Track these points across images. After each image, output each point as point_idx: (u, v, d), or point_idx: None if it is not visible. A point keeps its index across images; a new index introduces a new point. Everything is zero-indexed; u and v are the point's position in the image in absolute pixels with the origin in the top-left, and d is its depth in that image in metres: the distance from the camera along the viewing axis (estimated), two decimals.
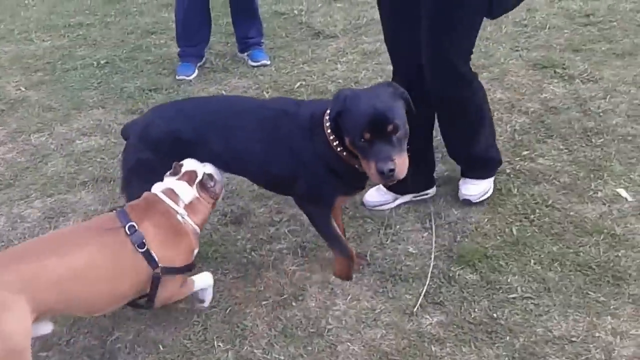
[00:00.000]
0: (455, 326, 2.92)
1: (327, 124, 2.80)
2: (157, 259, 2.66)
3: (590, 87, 4.69)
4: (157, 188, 2.85)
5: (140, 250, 2.62)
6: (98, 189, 4.09)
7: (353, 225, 3.54)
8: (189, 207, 2.82)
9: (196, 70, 5.51)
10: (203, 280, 3.00)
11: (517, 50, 5.31)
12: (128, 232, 2.62)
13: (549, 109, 4.46)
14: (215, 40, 5.98)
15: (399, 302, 3.07)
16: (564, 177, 3.79)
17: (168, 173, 2.90)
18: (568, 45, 5.28)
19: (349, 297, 3.13)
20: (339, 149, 2.79)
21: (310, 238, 3.46)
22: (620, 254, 3.22)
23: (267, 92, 5.04)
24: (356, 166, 2.79)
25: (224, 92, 5.12)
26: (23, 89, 5.52)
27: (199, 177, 2.88)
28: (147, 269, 2.65)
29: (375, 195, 3.70)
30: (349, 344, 2.89)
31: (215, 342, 2.95)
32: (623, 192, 3.64)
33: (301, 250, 3.45)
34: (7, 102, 5.31)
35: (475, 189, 3.67)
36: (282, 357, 2.85)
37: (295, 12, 6.53)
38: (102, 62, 5.85)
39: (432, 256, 3.29)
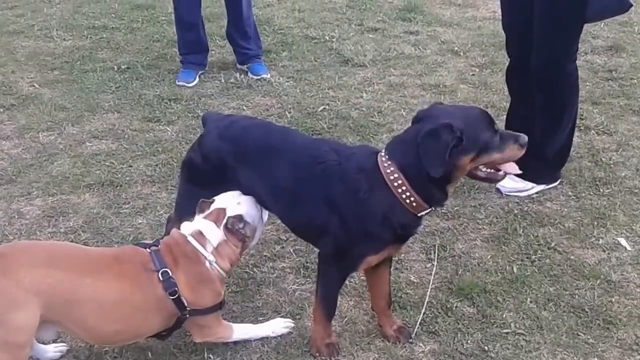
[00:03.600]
0: (446, 355, 2.95)
1: (392, 169, 2.66)
2: (186, 304, 2.68)
3: (605, 139, 4.73)
4: (186, 229, 2.79)
5: (171, 297, 2.64)
6: (103, 192, 4.11)
7: None
8: (217, 250, 2.75)
9: (197, 78, 5.62)
10: (243, 331, 2.99)
11: None
12: (161, 278, 2.63)
13: None
14: None
15: None
16: (569, 222, 3.83)
17: (197, 209, 2.85)
18: (588, 97, 5.32)
19: (346, 319, 3.15)
20: (406, 194, 2.65)
21: (314, 259, 3.45)
22: (613, 300, 3.27)
23: (289, 112, 5.08)
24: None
25: (245, 108, 5.18)
26: (37, 86, 5.56)
27: (224, 220, 2.78)
28: (175, 311, 2.69)
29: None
30: None
31: (206, 354, 2.95)
32: (623, 241, 3.69)
33: (304, 270, 3.48)
34: (18, 97, 5.36)
35: (512, 183, 4.00)
36: None
37: (327, 37, 6.58)
38: (123, 66, 5.89)
39: (430, 286, 3.32)
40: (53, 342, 2.94)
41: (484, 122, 2.69)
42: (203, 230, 2.76)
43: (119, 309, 2.59)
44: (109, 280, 2.58)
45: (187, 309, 2.68)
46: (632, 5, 3.75)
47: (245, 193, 2.88)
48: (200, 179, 3.01)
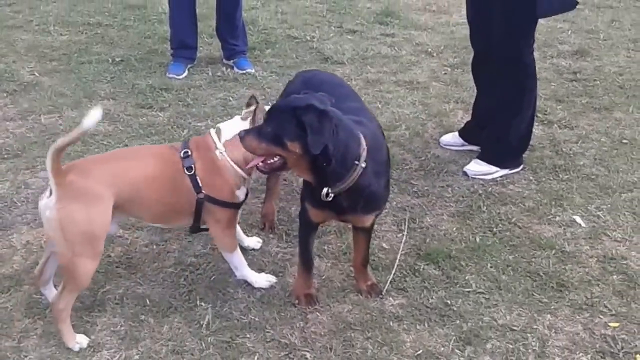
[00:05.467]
0: (413, 308, 3.29)
1: None
2: (200, 184, 3.10)
3: (566, 132, 5.08)
4: (216, 126, 3.31)
5: (188, 173, 3.09)
6: None
7: (335, 223, 3.84)
8: (229, 143, 3.18)
9: (186, 71, 5.97)
10: (240, 259, 3.38)
11: None
12: (182, 156, 3.11)
13: None
14: None
15: None
16: (529, 202, 4.17)
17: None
18: (552, 95, 5.69)
19: (324, 277, 3.50)
20: None
21: (295, 228, 3.79)
22: (567, 267, 3.61)
23: (272, 103, 5.38)
24: None
25: (231, 99, 5.50)
26: (37, 74, 5.87)
27: (251, 111, 3.22)
28: (192, 190, 3.11)
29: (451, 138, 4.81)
30: (318, 313, 3.24)
31: (198, 302, 3.30)
32: (578, 219, 4.03)
33: (286, 236, 3.82)
34: (20, 83, 5.67)
35: (477, 167, 4.46)
36: (257, 319, 3.20)
37: (308, 37, 6.93)
38: (117, 59, 6.22)
39: (400, 251, 3.66)
40: None
41: None
42: (223, 126, 3.25)
43: (157, 181, 3.07)
44: (148, 159, 3.13)
45: (203, 191, 3.09)
46: (577, 3, 4.10)
47: None
48: None
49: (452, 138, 4.86)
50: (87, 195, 2.84)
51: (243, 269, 3.38)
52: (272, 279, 3.44)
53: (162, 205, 3.12)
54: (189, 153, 3.13)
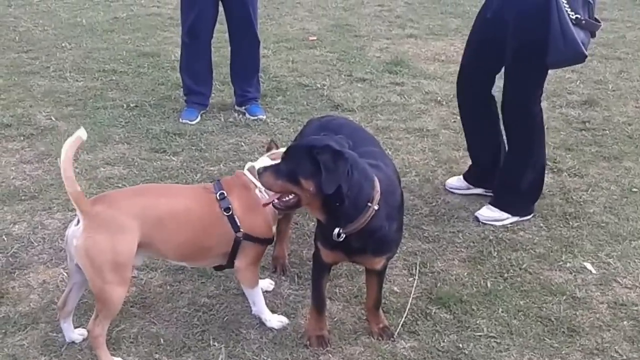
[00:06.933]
0: (425, 351, 3.30)
1: None
2: (239, 224, 3.18)
3: (576, 180, 5.13)
4: (247, 166, 3.40)
5: (226, 214, 3.17)
6: None
7: (347, 265, 3.90)
8: None
9: (199, 117, 6.07)
10: (259, 295, 3.45)
11: None
12: (218, 198, 3.19)
13: None
14: None
15: None
16: (540, 248, 4.21)
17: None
18: (562, 144, 5.74)
19: (335, 319, 3.52)
20: None
21: (307, 270, 3.84)
22: (577, 313, 3.63)
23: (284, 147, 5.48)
24: None
25: (243, 144, 5.57)
26: (53, 119, 5.96)
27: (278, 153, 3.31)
28: (231, 230, 3.17)
29: (456, 181, 4.89)
30: (330, 355, 3.26)
31: (211, 342, 3.32)
32: (589, 266, 4.05)
33: (298, 279, 3.85)
34: (37, 128, 5.76)
35: (489, 212, 4.51)
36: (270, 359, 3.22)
37: (318, 85, 7.03)
38: (131, 105, 6.31)
39: (411, 295, 3.69)
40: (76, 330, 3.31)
41: None
42: (257, 165, 3.32)
43: (187, 220, 3.14)
44: (179, 198, 3.21)
45: (241, 230, 3.16)
46: (586, 57, 4.09)
47: None
48: None
49: (457, 182, 4.94)
50: (112, 225, 2.93)
51: (261, 306, 3.44)
52: (285, 320, 3.46)
53: (191, 244, 3.18)
54: (224, 194, 3.20)
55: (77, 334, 3.28)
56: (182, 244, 3.16)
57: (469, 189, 4.88)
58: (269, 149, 3.48)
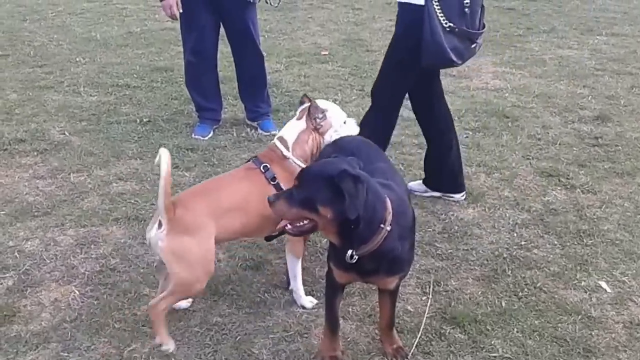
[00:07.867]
0: None
1: None
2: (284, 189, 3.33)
3: (589, 197, 5.10)
4: (276, 136, 3.71)
5: (272, 183, 3.46)
6: (130, 226, 4.50)
7: (360, 284, 3.87)
8: (295, 144, 3.63)
9: (211, 132, 6.09)
10: (299, 270, 3.74)
11: (528, 159, 5.72)
12: (263, 171, 3.49)
13: (549, 210, 4.87)
14: None
15: None
16: (554, 267, 4.17)
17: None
18: (575, 160, 5.71)
19: (349, 339, 3.49)
20: None
21: (319, 288, 3.83)
22: (593, 333, 3.59)
23: None
24: None
25: None
26: (67, 134, 6.00)
27: (305, 109, 3.66)
28: None
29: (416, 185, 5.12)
30: None
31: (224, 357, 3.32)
32: (604, 284, 4.02)
33: (311, 297, 3.81)
34: (50, 143, 5.80)
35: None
36: None
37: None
38: (144, 120, 6.34)
39: (425, 314, 3.66)
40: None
41: None
42: (284, 134, 3.65)
43: (249, 200, 3.40)
44: (234, 186, 3.49)
45: None
46: (457, 62, 4.34)
47: None
48: None
49: (417, 186, 5.17)
50: (193, 226, 3.21)
51: (298, 281, 3.72)
52: (315, 301, 3.75)
53: (255, 220, 3.41)
54: (268, 166, 3.49)
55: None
56: (248, 224, 3.42)
57: (426, 192, 5.11)
58: (301, 103, 3.74)
